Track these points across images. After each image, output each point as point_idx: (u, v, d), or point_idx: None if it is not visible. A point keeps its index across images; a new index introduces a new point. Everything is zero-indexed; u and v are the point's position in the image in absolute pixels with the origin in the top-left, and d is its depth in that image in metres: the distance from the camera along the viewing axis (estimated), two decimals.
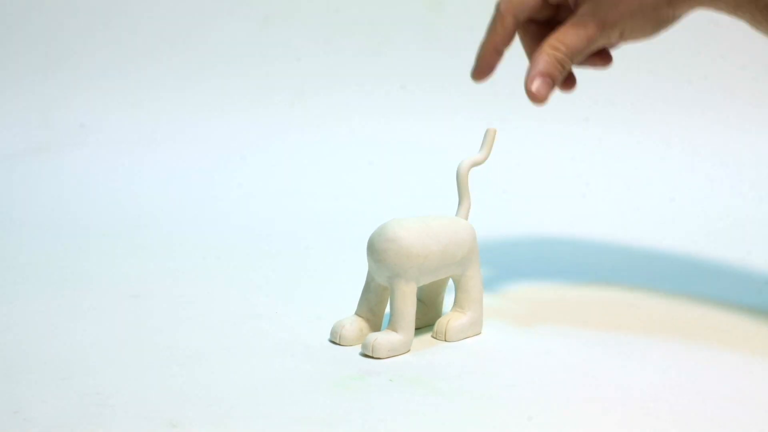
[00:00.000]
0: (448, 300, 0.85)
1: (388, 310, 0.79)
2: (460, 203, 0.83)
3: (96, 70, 1.50)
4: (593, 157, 1.35)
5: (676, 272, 1.04)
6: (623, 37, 0.79)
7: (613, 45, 0.82)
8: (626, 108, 1.40)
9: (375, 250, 0.76)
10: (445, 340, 0.80)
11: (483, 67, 0.83)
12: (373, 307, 0.79)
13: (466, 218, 0.83)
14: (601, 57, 0.84)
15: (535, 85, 0.77)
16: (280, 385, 0.70)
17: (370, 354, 0.75)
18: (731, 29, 1.33)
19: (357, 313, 0.79)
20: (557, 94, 0.81)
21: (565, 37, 0.78)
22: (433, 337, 0.81)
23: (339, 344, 0.78)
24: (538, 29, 0.83)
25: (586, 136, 1.38)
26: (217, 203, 1.28)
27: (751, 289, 0.98)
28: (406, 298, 0.76)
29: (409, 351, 0.77)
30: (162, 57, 1.50)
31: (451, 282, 0.83)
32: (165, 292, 0.91)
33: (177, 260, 1.04)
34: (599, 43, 0.79)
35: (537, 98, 0.77)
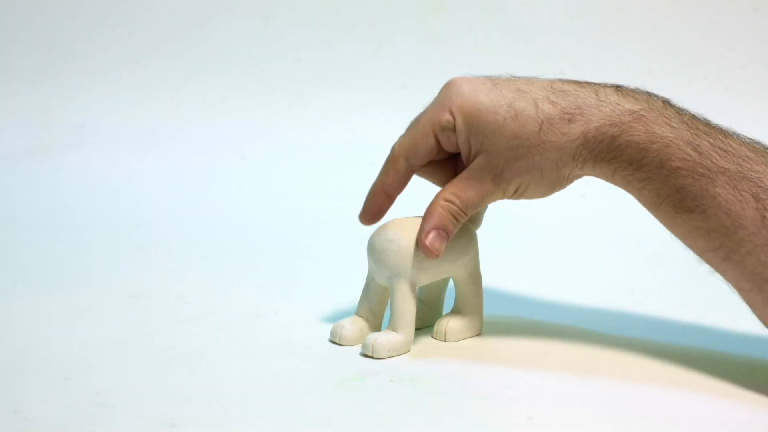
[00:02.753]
0: (448, 300, 0.84)
1: (388, 310, 0.79)
2: None
3: (96, 70, 1.50)
4: None
5: (676, 272, 1.04)
6: (518, 193, 0.76)
7: (508, 198, 0.78)
8: None
9: (375, 250, 0.76)
10: (445, 341, 0.80)
11: (372, 211, 0.79)
12: (373, 307, 0.79)
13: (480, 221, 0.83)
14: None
15: (429, 239, 0.75)
16: (280, 385, 0.70)
17: (370, 354, 0.75)
18: (731, 29, 1.33)
19: (357, 313, 0.79)
20: None
21: (460, 191, 0.76)
22: (433, 337, 0.80)
23: (339, 344, 0.78)
24: (441, 167, 0.80)
25: None
26: (216, 203, 1.28)
27: None
28: (406, 298, 0.76)
29: (409, 351, 0.77)
30: (162, 57, 1.50)
31: (451, 282, 0.83)
32: (165, 292, 0.91)
33: (177, 260, 1.04)
34: (494, 198, 0.76)
35: (431, 252, 0.75)
